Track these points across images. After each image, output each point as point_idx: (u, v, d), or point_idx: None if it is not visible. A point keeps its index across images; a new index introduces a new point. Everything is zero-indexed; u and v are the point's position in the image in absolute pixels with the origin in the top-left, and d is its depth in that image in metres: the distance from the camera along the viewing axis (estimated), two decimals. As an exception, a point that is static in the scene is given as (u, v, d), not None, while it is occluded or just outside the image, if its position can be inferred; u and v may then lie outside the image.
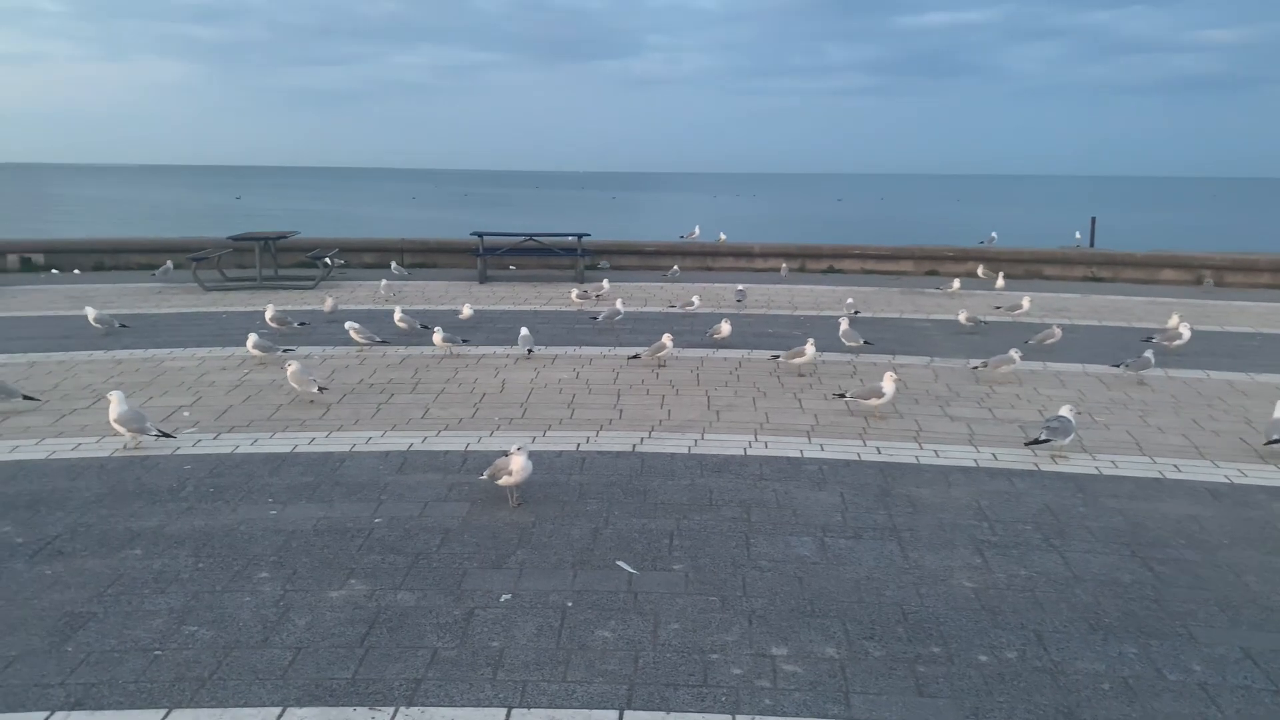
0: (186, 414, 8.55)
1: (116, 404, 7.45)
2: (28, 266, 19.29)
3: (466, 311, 12.97)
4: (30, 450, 7.46)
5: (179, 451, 7.45)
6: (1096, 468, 7.33)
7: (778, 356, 10.60)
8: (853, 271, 20.26)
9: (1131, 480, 7.04)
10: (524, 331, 11.18)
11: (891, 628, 4.74)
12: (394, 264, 18.44)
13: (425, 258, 20.38)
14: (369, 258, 19.93)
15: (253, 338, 10.58)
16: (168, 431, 7.69)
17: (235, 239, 18.41)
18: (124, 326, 12.42)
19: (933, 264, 20.55)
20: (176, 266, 17.33)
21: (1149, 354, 10.32)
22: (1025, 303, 14.55)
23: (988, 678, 4.32)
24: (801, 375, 10.31)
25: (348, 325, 11.42)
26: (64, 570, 5.30)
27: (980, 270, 18.76)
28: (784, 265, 19.73)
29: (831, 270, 20.40)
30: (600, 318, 12.98)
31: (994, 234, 23.79)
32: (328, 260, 17.45)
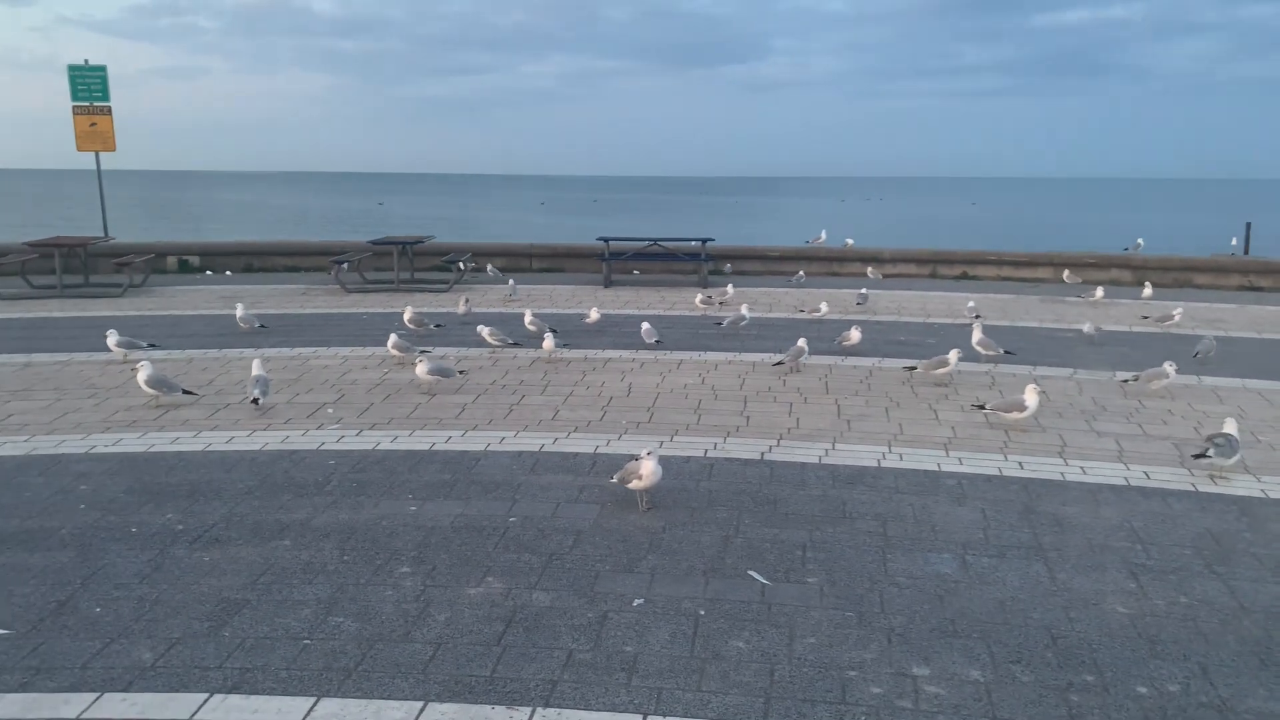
0: (330, 410, 8.91)
1: (144, 371, 8.88)
2: (184, 268, 20.52)
3: (593, 315, 13.12)
4: (189, 442, 7.90)
5: (324, 447, 7.76)
6: (1262, 490, 6.85)
7: (914, 368, 10.26)
8: (988, 278, 19.59)
9: (1303, 505, 6.55)
10: (645, 326, 11.66)
11: (1040, 652, 4.52)
12: (489, 267, 18.81)
13: (553, 262, 20.72)
14: (499, 262, 20.37)
15: (393, 338, 10.94)
16: (190, 389, 9.12)
17: (375, 243, 19.12)
18: (263, 327, 13.03)
19: (1075, 272, 19.65)
20: (350, 268, 17.89)
21: None
22: (1176, 314, 13.75)
23: (1148, 711, 4.07)
24: (940, 386, 10.01)
25: (480, 328, 11.69)
26: (220, 558, 5.58)
27: (1065, 275, 18.06)
28: (869, 269, 19.07)
29: (965, 276, 19.77)
30: (725, 323, 12.92)
31: (1140, 240, 22.60)
32: (461, 264, 17.95)
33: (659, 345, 11.68)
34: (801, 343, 10.62)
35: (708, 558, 5.56)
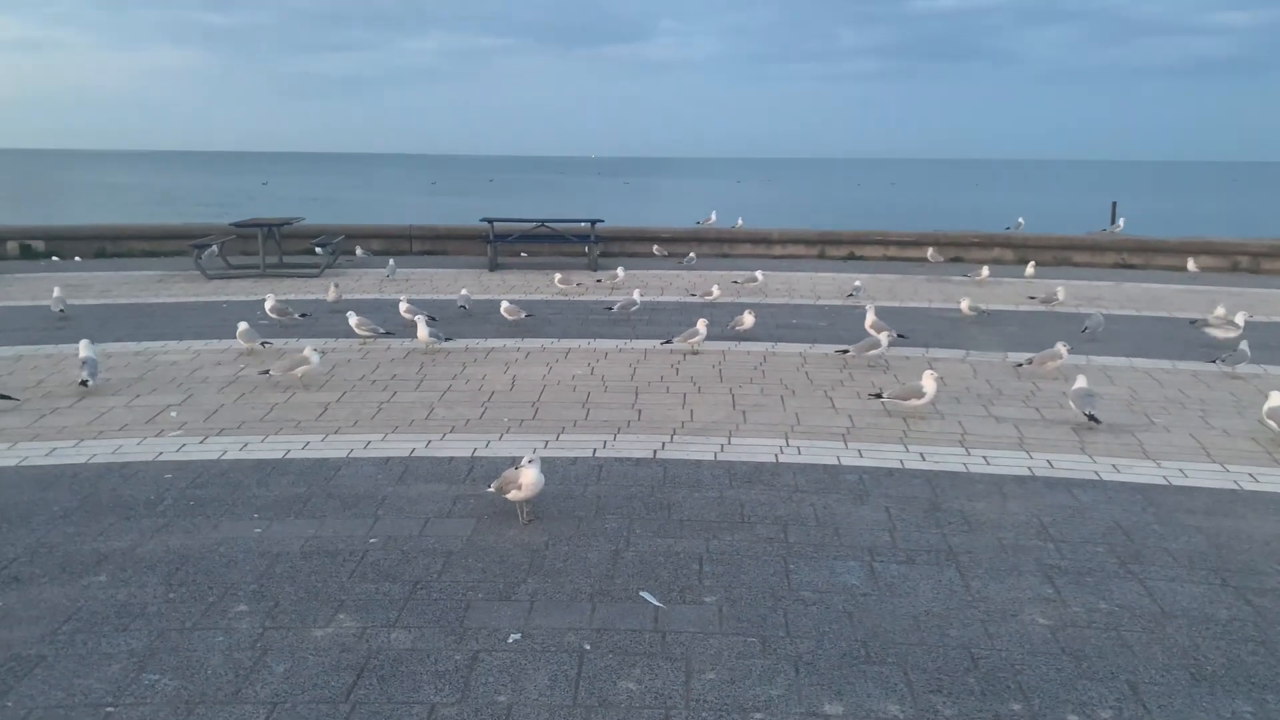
0: (173, 414, 7.96)
1: None
2: (27, 253, 18.77)
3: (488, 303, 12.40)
4: (1, 456, 6.88)
5: (161, 457, 6.85)
6: (1164, 477, 6.66)
7: (847, 351, 10.01)
8: (874, 258, 19.54)
9: (1205, 492, 6.36)
10: (505, 304, 11.64)
11: (961, 677, 4.09)
12: (359, 249, 17.95)
13: (434, 244, 19.75)
14: (376, 244, 19.30)
15: (242, 327, 10.15)
16: (8, 394, 8.18)
17: (238, 225, 17.83)
18: (62, 312, 12.02)
19: (957, 250, 19.80)
20: (214, 253, 16.60)
21: (1244, 346, 9.73)
22: (1060, 293, 13.82)
23: (1080, 743, 3.68)
24: (872, 367, 9.90)
25: (350, 316, 10.81)
26: (17, 602, 4.70)
27: (929, 254, 18.38)
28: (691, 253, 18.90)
29: (852, 257, 19.68)
30: (616, 308, 12.35)
31: (1021, 220, 22.99)
32: (318, 249, 16.88)
33: (529, 319, 11.63)
34: (701, 324, 10.39)
35: (595, 578, 4.97)
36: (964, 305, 12.67)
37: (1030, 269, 16.80)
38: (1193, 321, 11.83)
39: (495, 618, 4.55)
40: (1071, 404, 7.90)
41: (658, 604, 4.68)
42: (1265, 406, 7.49)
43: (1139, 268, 19.13)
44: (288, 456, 6.88)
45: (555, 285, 14.51)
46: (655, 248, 18.72)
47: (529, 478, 5.53)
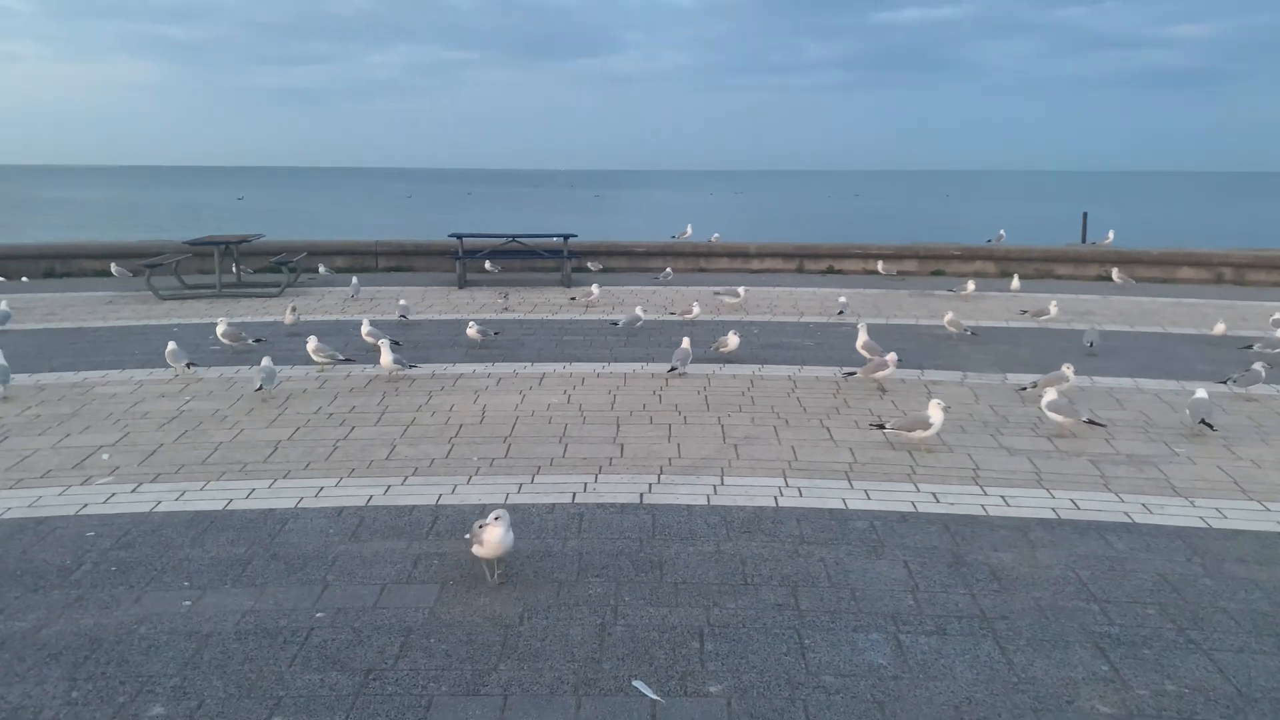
0: (105, 457, 7.16)
1: None
2: (-32, 275, 17.79)
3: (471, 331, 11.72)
4: (-100, 511, 6.07)
5: (85, 511, 6.06)
6: (1201, 518, 6.05)
7: (854, 373, 9.56)
8: (854, 272, 18.99)
9: (1251, 536, 5.76)
10: (471, 326, 11.13)
11: (1021, 791, 3.43)
12: (321, 267, 17.29)
13: (401, 260, 18.97)
14: (340, 261, 18.50)
15: (170, 346, 9.65)
16: None
17: (193, 243, 16.96)
18: None
19: (938, 263, 19.35)
20: (164, 271, 15.81)
21: (1259, 366, 9.19)
22: (1053, 307, 13.31)
23: None
24: (884, 390, 9.35)
25: (309, 341, 10.00)
26: (-116, 708, 3.93)
27: (880, 266, 17.88)
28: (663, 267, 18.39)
29: (831, 271, 19.13)
30: (621, 323, 12.12)
31: (1002, 232, 22.56)
32: (293, 265, 16.08)
33: (496, 337, 11.30)
34: (685, 344, 10.00)
35: (579, 661, 4.26)
36: (946, 320, 12.16)
37: (1016, 282, 16.34)
38: (1248, 346, 11.13)
39: (462, 719, 3.83)
40: (1188, 413, 7.95)
41: (654, 697, 3.97)
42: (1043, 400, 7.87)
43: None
44: (229, 508, 6.11)
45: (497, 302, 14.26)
46: (668, 270, 18.05)
47: (492, 537, 4.83)
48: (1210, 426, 7.74)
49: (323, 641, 4.41)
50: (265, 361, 9.10)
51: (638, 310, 12.31)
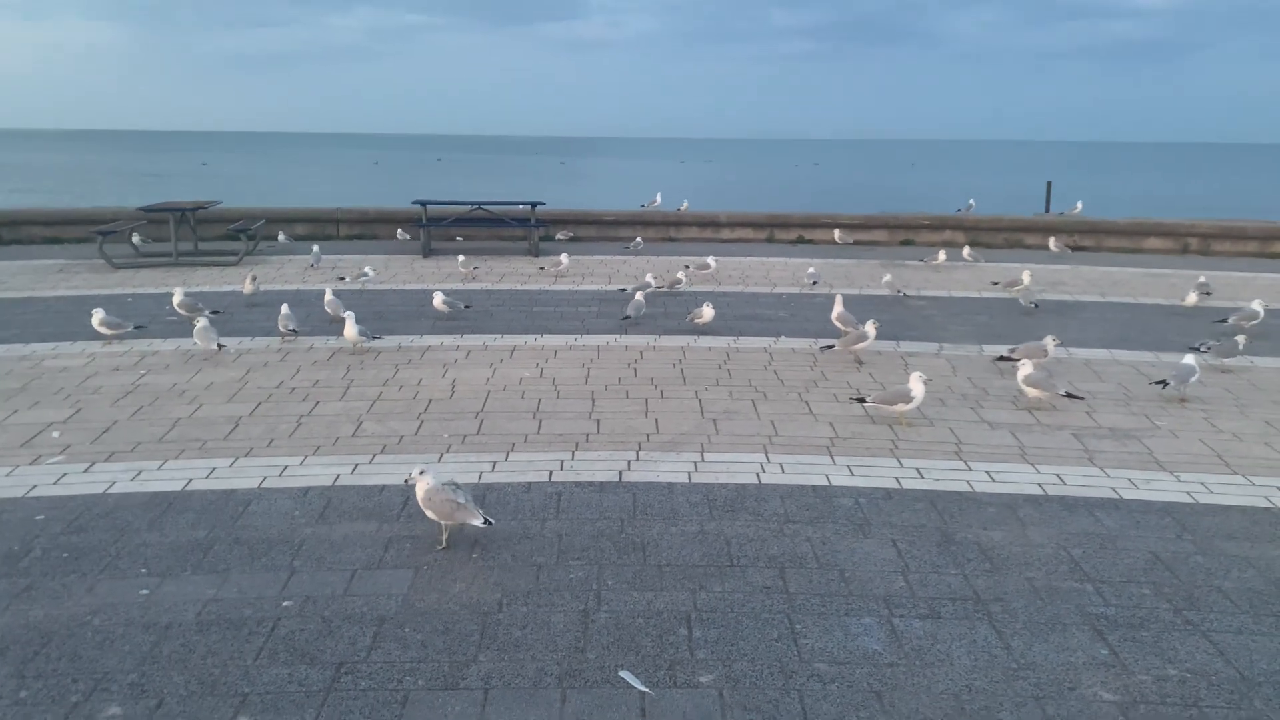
0: (55, 434, 6.82)
1: None
2: (-92, 243, 17.09)
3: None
4: None
5: (34, 493, 5.75)
6: (1188, 494, 5.98)
7: (831, 347, 9.36)
8: (824, 242, 18.81)
9: (1238, 512, 5.69)
10: (437, 296, 10.75)
11: (1029, 785, 3.30)
12: (281, 235, 16.79)
13: (364, 228, 18.48)
14: (301, 229, 18.00)
15: (98, 315, 9.29)
16: None
17: (148, 210, 16.39)
18: None
19: (907, 233, 19.23)
20: (119, 239, 15.22)
21: (1240, 338, 9.17)
22: (1026, 277, 13.22)
23: None
24: (861, 363, 9.20)
25: (282, 309, 9.74)
26: None
27: (836, 235, 17.75)
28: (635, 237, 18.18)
29: (801, 240, 18.94)
30: (631, 289, 11.99)
31: (972, 201, 22.51)
32: (252, 232, 15.60)
33: (466, 310, 10.98)
34: (640, 296, 10.38)
35: (562, 651, 4.07)
36: (886, 278, 12.59)
37: (966, 252, 16.15)
38: (1223, 320, 10.94)
39: (440, 714, 3.62)
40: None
41: (643, 688, 3.79)
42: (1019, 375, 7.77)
43: (1090, 249, 18.75)
44: (188, 488, 5.82)
45: (459, 270, 13.85)
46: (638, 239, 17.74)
47: (419, 493, 4.88)
48: (1164, 384, 8.02)
49: (290, 632, 4.18)
50: (201, 322, 8.95)
51: (649, 277, 12.42)
